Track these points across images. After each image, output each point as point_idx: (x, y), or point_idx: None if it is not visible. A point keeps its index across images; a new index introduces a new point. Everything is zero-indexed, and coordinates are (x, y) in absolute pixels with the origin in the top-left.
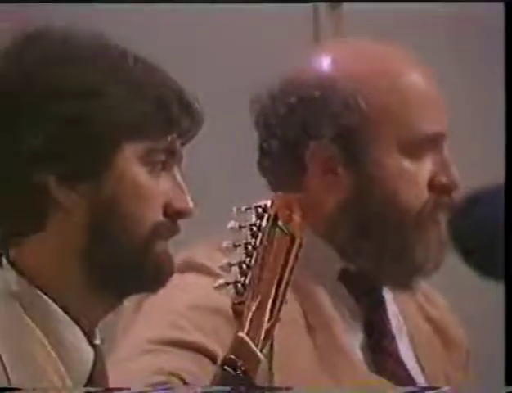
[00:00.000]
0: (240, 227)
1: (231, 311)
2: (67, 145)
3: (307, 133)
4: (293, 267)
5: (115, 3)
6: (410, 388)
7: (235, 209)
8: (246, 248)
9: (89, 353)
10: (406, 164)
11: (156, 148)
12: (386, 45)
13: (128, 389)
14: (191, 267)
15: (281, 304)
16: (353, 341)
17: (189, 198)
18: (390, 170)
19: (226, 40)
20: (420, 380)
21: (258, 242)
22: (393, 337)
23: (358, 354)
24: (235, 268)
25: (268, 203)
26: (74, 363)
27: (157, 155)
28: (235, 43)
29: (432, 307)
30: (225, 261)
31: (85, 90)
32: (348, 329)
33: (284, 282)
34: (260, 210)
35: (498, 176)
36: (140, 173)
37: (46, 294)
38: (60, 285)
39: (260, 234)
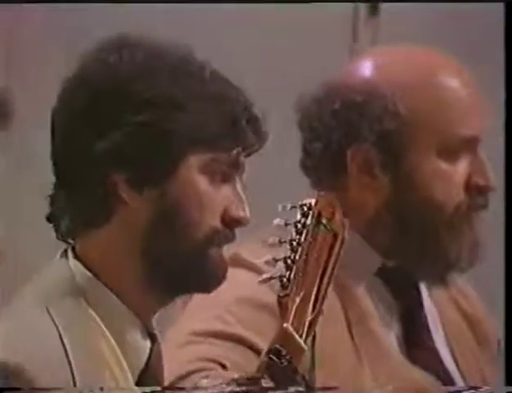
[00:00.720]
0: (286, 224)
1: (274, 306)
2: (139, 151)
3: (349, 137)
4: (335, 263)
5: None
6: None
7: (280, 206)
8: (291, 244)
9: (146, 342)
10: (443, 166)
11: (220, 160)
12: (425, 51)
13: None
14: (237, 262)
15: (324, 298)
16: (390, 334)
17: (247, 208)
18: (427, 172)
19: (267, 42)
20: (455, 372)
21: (302, 239)
22: (429, 331)
23: (395, 347)
24: (281, 263)
25: (313, 202)
26: (133, 353)
27: (220, 166)
28: (277, 46)
29: (466, 302)
30: (270, 256)
31: (162, 102)
32: (385, 323)
33: (326, 276)
34: (305, 208)
35: (498, 176)
36: (201, 182)
37: (107, 286)
38: (120, 279)
39: (304, 231)
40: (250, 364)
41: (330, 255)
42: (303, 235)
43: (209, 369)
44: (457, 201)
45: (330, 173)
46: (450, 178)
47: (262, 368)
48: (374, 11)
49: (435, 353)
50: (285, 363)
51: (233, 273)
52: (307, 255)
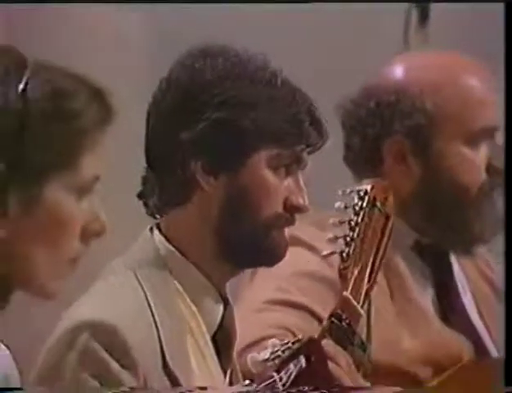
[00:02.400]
0: (346, 207)
1: (332, 279)
2: (215, 143)
3: (383, 132)
4: (388, 240)
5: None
6: None
7: (340, 191)
8: (350, 224)
9: (220, 306)
10: (467, 152)
11: (284, 155)
12: (449, 54)
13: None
14: (296, 242)
15: (378, 270)
16: (426, 299)
17: (306, 197)
18: (454, 158)
19: (321, 42)
20: (484, 332)
21: (359, 219)
22: (459, 295)
23: (431, 311)
24: (341, 240)
25: (368, 187)
26: (209, 315)
27: (284, 160)
28: (324, 44)
29: (490, 270)
30: (332, 234)
31: (237, 103)
32: (422, 289)
33: (380, 252)
34: (361, 193)
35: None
36: (267, 173)
37: (186, 257)
38: (196, 251)
39: (361, 213)
40: (313, 330)
41: (383, 234)
42: (360, 216)
43: (280, 336)
44: (480, 182)
45: (369, 164)
46: (473, 162)
47: (325, 330)
48: (423, 18)
49: (466, 315)
50: (345, 326)
51: (296, 252)
52: (363, 233)
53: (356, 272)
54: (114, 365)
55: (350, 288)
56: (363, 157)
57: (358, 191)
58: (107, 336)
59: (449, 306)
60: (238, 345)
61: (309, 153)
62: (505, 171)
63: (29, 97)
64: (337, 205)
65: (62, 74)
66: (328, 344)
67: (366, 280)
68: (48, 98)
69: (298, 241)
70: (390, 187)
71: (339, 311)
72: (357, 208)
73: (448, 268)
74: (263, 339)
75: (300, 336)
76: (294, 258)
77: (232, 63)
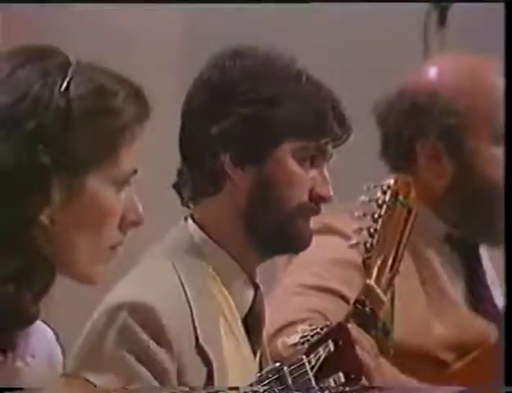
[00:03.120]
0: (370, 200)
1: (360, 265)
2: (244, 136)
3: (417, 132)
4: (410, 232)
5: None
6: None
7: (365, 186)
8: (373, 216)
9: (250, 290)
10: (495, 150)
11: (309, 147)
12: (478, 58)
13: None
14: (329, 230)
15: (400, 260)
16: (456, 288)
17: (331, 188)
18: (483, 157)
19: (344, 42)
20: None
21: (382, 212)
22: (487, 285)
23: (461, 301)
24: (365, 232)
25: (391, 182)
26: (240, 297)
27: (309, 152)
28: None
29: None
30: (356, 226)
31: (267, 98)
32: (452, 280)
33: (402, 243)
34: (385, 187)
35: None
36: (293, 164)
37: (218, 244)
38: (227, 238)
39: (384, 206)
40: (344, 313)
41: (405, 226)
42: (383, 209)
43: (313, 319)
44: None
45: (403, 162)
46: (500, 159)
47: (349, 315)
48: (442, 20)
49: (493, 304)
50: (368, 312)
51: (326, 239)
52: (386, 225)
53: (379, 261)
54: (150, 343)
55: (374, 277)
56: (398, 155)
57: (381, 186)
58: (144, 316)
59: (478, 295)
60: (271, 327)
61: (334, 147)
62: (505, 171)
63: (71, 95)
64: (361, 198)
65: (103, 73)
66: (352, 328)
67: (388, 269)
68: (90, 96)
69: (331, 229)
70: (412, 182)
71: (362, 298)
72: (380, 201)
73: (477, 259)
74: (297, 321)
75: (328, 322)
76: (328, 245)
77: (260, 62)
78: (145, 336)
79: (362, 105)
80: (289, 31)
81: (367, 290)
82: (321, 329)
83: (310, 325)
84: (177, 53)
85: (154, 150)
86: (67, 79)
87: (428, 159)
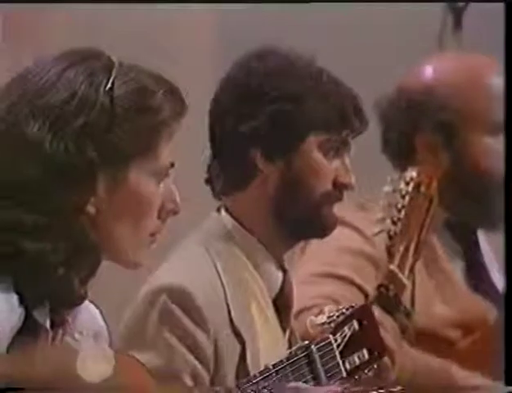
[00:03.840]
0: (394, 190)
1: (372, 256)
2: (272, 132)
3: (416, 127)
4: (431, 220)
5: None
6: None
7: (389, 178)
8: (396, 206)
9: (279, 274)
10: (489, 140)
11: (332, 140)
12: (474, 56)
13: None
14: (341, 223)
15: (422, 247)
16: (456, 268)
17: (352, 176)
18: (477, 148)
19: (358, 41)
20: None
21: (405, 202)
22: (486, 268)
23: (460, 280)
24: (389, 220)
25: (414, 173)
26: (270, 282)
27: (332, 144)
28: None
29: None
30: (380, 215)
31: (292, 96)
32: (452, 261)
33: (424, 231)
34: (408, 178)
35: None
36: (318, 156)
37: (249, 232)
38: (258, 226)
39: (407, 196)
40: (357, 300)
41: (426, 215)
42: (406, 199)
43: (324, 305)
44: (501, 166)
45: (404, 154)
46: (495, 149)
47: (373, 298)
48: (457, 22)
49: (492, 284)
50: (391, 296)
51: (339, 231)
52: (408, 214)
53: (401, 248)
54: (189, 323)
55: (396, 262)
56: (399, 149)
57: (405, 177)
58: (182, 299)
59: (476, 276)
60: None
61: (353, 138)
62: (505, 171)
63: (115, 94)
64: (385, 189)
65: (143, 73)
66: (378, 311)
67: (411, 255)
68: (131, 95)
69: (342, 222)
70: (434, 173)
71: (386, 282)
72: (403, 192)
73: (475, 243)
74: (309, 308)
75: (354, 304)
76: (339, 236)
77: (282, 62)
78: (183, 318)
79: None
80: (308, 30)
81: (391, 275)
82: (347, 310)
83: (336, 306)
84: (210, 51)
85: (189, 145)
86: (111, 79)
87: (426, 151)
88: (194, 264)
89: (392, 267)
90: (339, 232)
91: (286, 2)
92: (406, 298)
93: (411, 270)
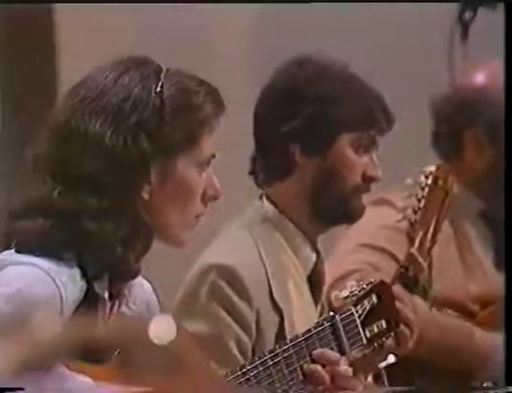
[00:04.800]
0: (415, 183)
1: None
2: (310, 130)
3: (466, 124)
4: (446, 211)
5: None
6: None
7: (411, 172)
8: (417, 197)
9: (313, 255)
10: None
11: (362, 137)
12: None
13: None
14: (383, 201)
15: (438, 233)
16: (486, 253)
17: (379, 170)
18: None
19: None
20: None
21: (425, 193)
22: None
23: (488, 262)
24: (410, 209)
25: (433, 168)
26: (305, 262)
27: (362, 141)
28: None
29: None
30: (402, 204)
31: (327, 99)
32: (482, 245)
33: (440, 220)
34: (427, 172)
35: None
36: (350, 152)
37: (287, 218)
38: (295, 213)
39: (426, 188)
40: (391, 267)
41: (442, 206)
42: (425, 191)
43: (365, 270)
44: None
45: (452, 148)
46: None
47: (395, 277)
48: (465, 34)
49: None
50: (411, 276)
51: (380, 209)
52: (427, 205)
53: (420, 234)
54: (235, 297)
55: (416, 247)
56: (448, 143)
57: (424, 172)
58: (229, 276)
59: (503, 259)
60: (331, 278)
61: (380, 136)
62: (505, 171)
63: (164, 96)
64: (407, 181)
65: (187, 77)
66: (397, 288)
67: (428, 240)
68: (178, 96)
69: (384, 201)
70: (450, 169)
71: (406, 264)
72: (423, 184)
73: (506, 231)
74: (354, 271)
75: (372, 280)
76: (381, 214)
77: (319, 68)
78: (230, 292)
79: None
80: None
81: (411, 257)
82: (367, 285)
83: (357, 282)
84: (245, 53)
85: (235, 141)
86: (160, 82)
87: (473, 146)
88: (239, 246)
89: (412, 250)
90: (381, 210)
91: (286, 2)
92: (425, 279)
93: (428, 254)
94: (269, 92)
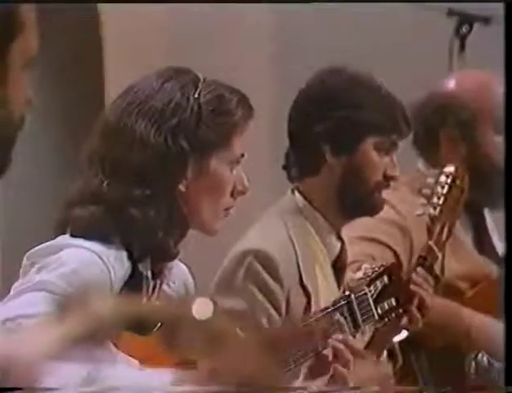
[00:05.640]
0: (436, 182)
1: (405, 227)
2: (340, 132)
3: (441, 124)
4: (461, 207)
5: None
6: None
7: (432, 171)
8: (437, 194)
9: (338, 243)
10: (496, 138)
11: (385, 141)
12: (487, 73)
13: None
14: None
15: (453, 227)
16: (467, 237)
17: (398, 169)
18: (489, 141)
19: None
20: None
21: (444, 191)
22: (489, 234)
23: (470, 244)
24: (429, 206)
25: (452, 169)
26: (330, 249)
27: (384, 144)
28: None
29: None
30: (423, 200)
31: (356, 105)
32: (464, 231)
33: (456, 215)
34: (447, 172)
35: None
36: (373, 154)
37: (316, 210)
38: (324, 206)
39: (446, 186)
40: (388, 258)
41: (458, 203)
42: (445, 189)
43: (364, 261)
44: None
45: (429, 145)
46: (499, 143)
47: (414, 266)
48: (462, 46)
49: (493, 248)
50: (428, 265)
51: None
52: (445, 202)
53: (438, 228)
54: (268, 278)
55: (434, 239)
56: (426, 144)
57: (444, 172)
58: (264, 260)
59: (482, 242)
60: None
61: (400, 140)
62: (505, 170)
63: (201, 101)
64: (428, 180)
65: (221, 85)
66: (422, 273)
67: (444, 234)
68: (213, 102)
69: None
70: (466, 170)
71: (424, 254)
72: (442, 183)
73: (482, 217)
74: (354, 262)
75: (384, 262)
76: (383, 213)
77: (348, 77)
78: (265, 275)
79: None
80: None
81: (428, 248)
82: (379, 268)
83: (370, 264)
84: (272, 57)
85: (270, 139)
86: (198, 90)
87: (448, 144)
88: (273, 233)
89: (431, 243)
90: (384, 211)
91: (287, 2)
92: (438, 267)
93: (444, 246)
94: (304, 97)
